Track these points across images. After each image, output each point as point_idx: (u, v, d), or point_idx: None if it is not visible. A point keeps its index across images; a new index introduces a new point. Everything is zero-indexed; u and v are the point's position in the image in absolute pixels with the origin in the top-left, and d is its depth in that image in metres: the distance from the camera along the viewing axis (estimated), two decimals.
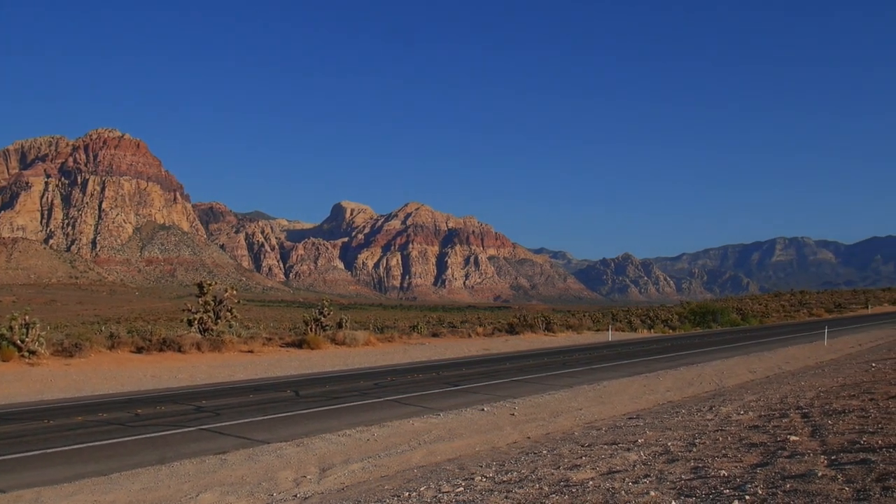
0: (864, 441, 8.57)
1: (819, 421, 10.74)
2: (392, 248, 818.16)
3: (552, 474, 9.11)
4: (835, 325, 55.78)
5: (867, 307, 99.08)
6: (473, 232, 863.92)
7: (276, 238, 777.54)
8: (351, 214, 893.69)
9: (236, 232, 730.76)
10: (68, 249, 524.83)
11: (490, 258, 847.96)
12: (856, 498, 6.00)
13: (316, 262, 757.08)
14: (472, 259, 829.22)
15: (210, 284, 35.57)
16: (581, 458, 10.28)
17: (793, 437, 9.46)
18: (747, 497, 6.47)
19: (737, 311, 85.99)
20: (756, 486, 6.86)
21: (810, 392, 15.38)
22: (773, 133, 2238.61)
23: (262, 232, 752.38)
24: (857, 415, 10.82)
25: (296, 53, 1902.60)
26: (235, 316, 36.50)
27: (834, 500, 6.00)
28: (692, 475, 7.91)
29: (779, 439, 9.53)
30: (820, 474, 7.08)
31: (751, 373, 26.19)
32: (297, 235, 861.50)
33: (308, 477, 11.54)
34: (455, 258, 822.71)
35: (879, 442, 8.39)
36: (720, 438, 10.31)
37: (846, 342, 39.66)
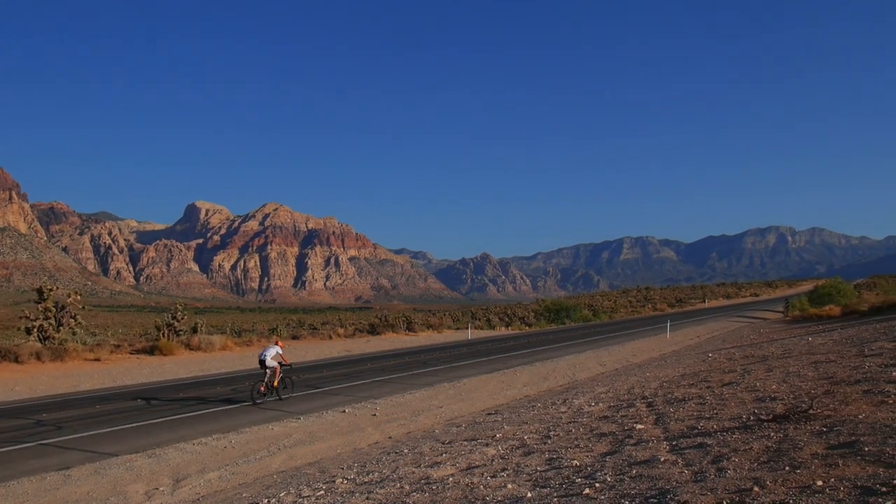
0: (702, 426, 9.20)
1: (662, 409, 11.41)
2: (250, 249, 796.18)
3: (413, 473, 9.19)
4: (676, 319, 59.45)
5: (704, 301, 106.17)
6: (334, 233, 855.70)
7: (124, 240, 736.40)
8: (206, 215, 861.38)
9: (80, 234, 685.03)
10: None
11: (351, 259, 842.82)
12: (694, 480, 6.43)
13: (168, 265, 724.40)
14: (332, 260, 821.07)
15: (51, 289, 33.24)
16: (441, 455, 10.43)
17: (639, 426, 10.01)
18: (597, 484, 6.79)
19: (588, 307, 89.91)
20: (605, 474, 7.22)
21: (654, 382, 16.31)
22: (623, 141, 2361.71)
23: (110, 233, 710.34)
24: (696, 402, 11.59)
25: (148, 53, 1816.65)
26: (80, 322, 34.28)
27: (675, 483, 6.40)
28: (547, 466, 8.21)
29: (626, 428, 10.06)
30: (662, 459, 7.53)
31: (601, 366, 27.45)
32: (147, 237, 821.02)
33: (161, 489, 11.06)
34: (315, 259, 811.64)
35: (714, 427, 9.03)
36: (573, 430, 10.75)
37: (686, 334, 42.36)
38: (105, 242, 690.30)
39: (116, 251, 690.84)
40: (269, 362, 19.62)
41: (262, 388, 19.42)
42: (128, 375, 27.01)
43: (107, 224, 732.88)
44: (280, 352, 20.12)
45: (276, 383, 19.80)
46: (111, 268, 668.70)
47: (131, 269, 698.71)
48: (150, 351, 33.92)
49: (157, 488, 11.09)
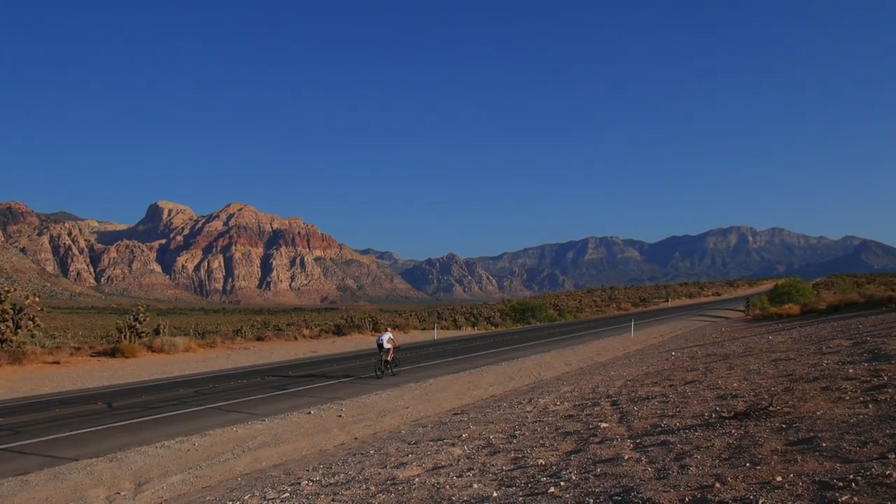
0: (665, 424, 9.31)
1: (626, 408, 11.53)
2: (214, 249, 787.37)
3: (379, 474, 9.17)
4: (640, 318, 60.04)
5: (667, 301, 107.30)
6: (299, 233, 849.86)
7: (85, 240, 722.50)
8: (169, 215, 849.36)
9: (39, 234, 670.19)
10: None
11: (316, 259, 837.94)
12: (657, 477, 6.51)
13: (130, 266, 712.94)
14: (297, 260, 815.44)
15: (8, 291, 32.49)
16: (408, 455, 10.41)
17: (603, 424, 10.09)
18: (562, 483, 6.84)
19: (554, 307, 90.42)
20: (570, 473, 7.27)
21: (619, 381, 16.46)
22: (588, 142, 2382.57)
23: (70, 234, 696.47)
24: (659, 400, 11.73)
25: (111, 55, 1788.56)
26: (38, 325, 33.55)
27: (638, 481, 6.47)
28: (513, 466, 8.24)
29: (591, 427, 10.14)
30: (626, 457, 7.61)
31: (566, 365, 27.63)
32: (109, 237, 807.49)
33: (122, 493, 10.89)
34: (280, 260, 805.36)
35: (677, 424, 9.14)
36: (539, 429, 10.80)
37: (650, 333, 42.80)
38: (65, 243, 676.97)
39: (76, 252, 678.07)
40: (386, 345, 25.44)
41: (383, 365, 25.46)
42: (88, 378, 26.55)
43: (66, 224, 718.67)
44: (391, 337, 25.94)
45: (387, 360, 25.64)
46: (71, 269, 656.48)
47: (92, 270, 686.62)
48: (112, 353, 33.37)
49: (119, 493, 10.91)
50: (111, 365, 30.67)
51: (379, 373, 25.13)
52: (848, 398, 8.95)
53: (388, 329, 26.99)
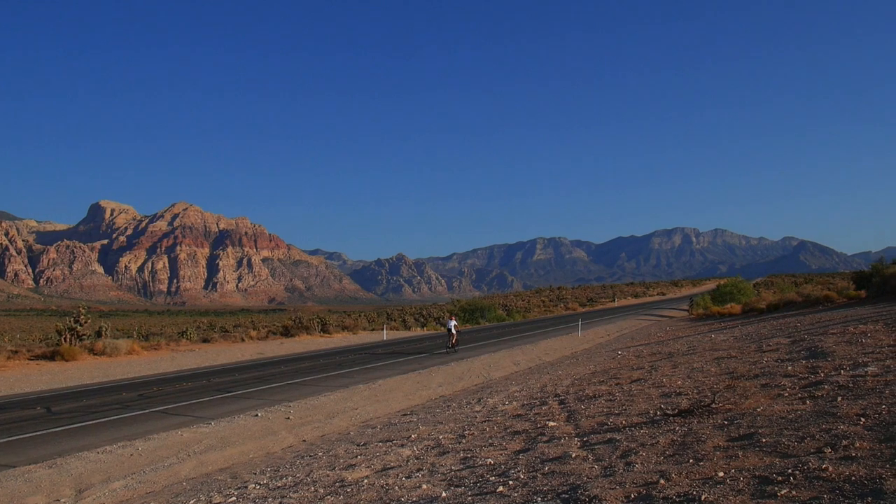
0: (611, 422, 9.45)
1: (574, 406, 11.66)
2: (158, 250, 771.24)
3: (328, 476, 9.11)
4: (587, 318, 60.78)
5: (614, 300, 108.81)
6: (246, 233, 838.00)
7: (22, 241, 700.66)
8: (111, 215, 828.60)
9: None
10: None
11: (264, 260, 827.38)
12: (603, 474, 6.60)
13: (71, 267, 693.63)
14: (244, 261, 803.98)
15: None
16: (356, 457, 10.37)
17: (551, 423, 10.19)
18: (510, 482, 6.89)
19: (503, 307, 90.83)
20: (519, 472, 7.33)
21: (566, 380, 16.64)
22: (535, 143, 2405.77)
23: (7, 234, 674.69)
24: (606, 399, 11.90)
25: (54, 51, 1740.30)
26: None
27: (585, 478, 6.56)
28: (462, 466, 8.27)
29: (539, 426, 10.23)
30: (573, 455, 7.70)
31: (515, 365, 27.80)
32: (48, 238, 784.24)
33: (62, 500, 10.59)
34: (227, 260, 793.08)
35: (623, 422, 9.29)
36: (487, 429, 10.86)
37: (597, 333, 43.34)
38: (1, 243, 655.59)
39: (14, 252, 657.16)
40: (453, 330, 33.13)
41: (450, 344, 33.14)
42: (26, 382, 25.77)
43: (3, 224, 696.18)
44: (456, 324, 33.75)
45: (453, 342, 33.14)
46: (8, 270, 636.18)
47: (30, 271, 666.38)
48: (51, 356, 32.45)
49: (58, 500, 10.61)
50: (51, 368, 29.82)
51: (446, 350, 32.85)
52: (787, 395, 9.20)
53: (453, 317, 35.37)
